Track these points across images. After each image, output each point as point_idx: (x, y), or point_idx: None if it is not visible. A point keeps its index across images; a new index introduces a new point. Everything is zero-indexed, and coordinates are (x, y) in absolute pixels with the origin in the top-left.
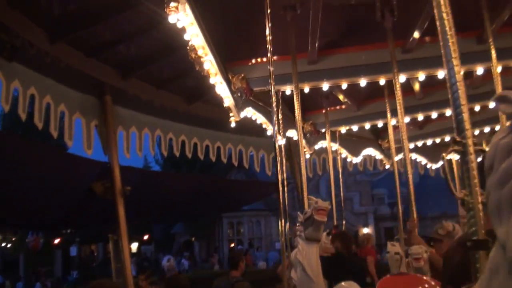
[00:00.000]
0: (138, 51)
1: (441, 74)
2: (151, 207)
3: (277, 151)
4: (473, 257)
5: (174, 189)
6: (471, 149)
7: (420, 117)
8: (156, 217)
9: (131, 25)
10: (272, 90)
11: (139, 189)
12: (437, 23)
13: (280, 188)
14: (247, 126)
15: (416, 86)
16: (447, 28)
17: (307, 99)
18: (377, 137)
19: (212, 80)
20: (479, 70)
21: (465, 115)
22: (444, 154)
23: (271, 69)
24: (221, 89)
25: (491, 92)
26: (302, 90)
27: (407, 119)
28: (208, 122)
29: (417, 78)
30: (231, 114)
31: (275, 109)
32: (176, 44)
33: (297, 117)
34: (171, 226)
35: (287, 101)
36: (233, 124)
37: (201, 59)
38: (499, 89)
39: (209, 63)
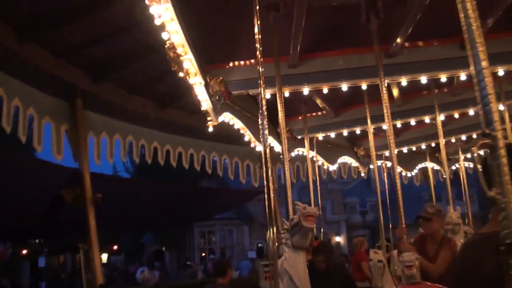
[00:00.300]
0: (110, 54)
1: (424, 79)
2: (121, 215)
3: (267, 156)
4: (506, 263)
5: (145, 197)
6: (501, 142)
7: (399, 124)
8: (126, 226)
9: (104, 27)
10: (262, 92)
11: (110, 197)
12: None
13: (270, 195)
14: (221, 133)
15: (395, 93)
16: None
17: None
18: (353, 144)
19: (192, 80)
20: (462, 77)
21: (493, 106)
22: (474, 149)
23: (261, 69)
24: (200, 91)
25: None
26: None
27: (385, 126)
28: (181, 129)
29: (397, 84)
30: (208, 118)
31: (265, 113)
32: (150, 48)
33: (280, 122)
34: (140, 236)
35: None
36: (210, 129)
37: (180, 58)
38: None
39: (189, 62)
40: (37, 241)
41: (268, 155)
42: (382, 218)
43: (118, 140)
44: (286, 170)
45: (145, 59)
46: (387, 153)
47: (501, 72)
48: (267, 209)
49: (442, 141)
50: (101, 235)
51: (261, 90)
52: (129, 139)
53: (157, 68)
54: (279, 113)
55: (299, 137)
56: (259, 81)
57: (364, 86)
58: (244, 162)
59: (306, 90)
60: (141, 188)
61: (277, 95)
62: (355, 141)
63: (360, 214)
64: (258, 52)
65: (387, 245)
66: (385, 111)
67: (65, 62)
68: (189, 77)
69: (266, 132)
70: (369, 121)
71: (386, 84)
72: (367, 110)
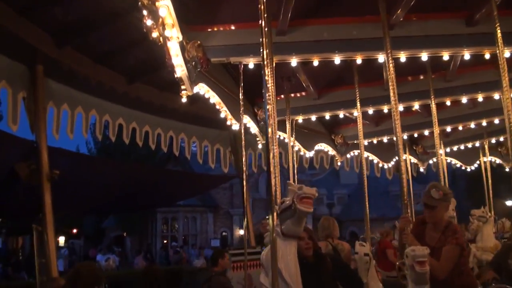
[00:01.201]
0: (78, 16)
1: (424, 56)
2: (81, 196)
3: (269, 136)
4: None
5: (108, 178)
6: None
7: (386, 109)
8: (86, 208)
9: None
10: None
11: (69, 175)
12: None
13: (273, 181)
14: (191, 113)
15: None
16: None
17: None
18: (331, 131)
19: (167, 33)
20: (466, 56)
21: None
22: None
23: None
24: (175, 51)
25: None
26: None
27: (371, 111)
28: (149, 106)
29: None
30: (182, 87)
31: (269, 83)
32: (121, 13)
33: (270, 94)
34: (102, 220)
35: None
36: (184, 99)
37: (156, 3)
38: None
39: (166, 10)
40: None
41: (233, 139)
42: (368, 210)
43: (80, 114)
44: (274, 153)
45: (115, 25)
46: (366, 143)
47: None
48: (272, 194)
49: (437, 129)
50: (60, 217)
51: (263, 57)
52: (92, 114)
53: (128, 37)
54: (269, 86)
55: (279, 118)
56: (232, 50)
57: (359, 61)
58: (214, 146)
59: (294, 61)
60: (103, 168)
61: (265, 65)
62: (333, 128)
63: (327, 207)
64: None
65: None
66: (391, 93)
67: (26, 20)
68: (164, 29)
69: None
70: (358, 104)
71: (381, 60)
72: (357, 92)
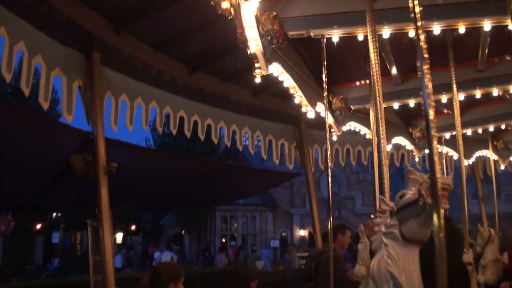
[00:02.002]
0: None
1: None
2: (139, 191)
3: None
4: None
5: (167, 172)
6: None
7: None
8: (144, 203)
9: None
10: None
11: (127, 168)
12: None
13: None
14: (255, 106)
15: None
16: None
17: (335, 67)
18: (408, 124)
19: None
20: None
21: None
22: None
23: None
24: (249, 23)
25: None
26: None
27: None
28: (212, 97)
29: None
30: (257, 65)
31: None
32: None
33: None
34: (160, 217)
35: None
36: (257, 79)
37: None
38: None
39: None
40: (54, 215)
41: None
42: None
43: (139, 105)
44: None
45: (175, 7)
46: (447, 136)
47: None
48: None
49: None
50: (118, 214)
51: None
52: (152, 106)
53: (189, 22)
54: (373, 61)
55: (354, 107)
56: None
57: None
58: (279, 141)
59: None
60: (163, 162)
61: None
62: (410, 120)
63: None
64: None
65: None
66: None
67: (82, 5)
68: None
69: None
70: (455, 87)
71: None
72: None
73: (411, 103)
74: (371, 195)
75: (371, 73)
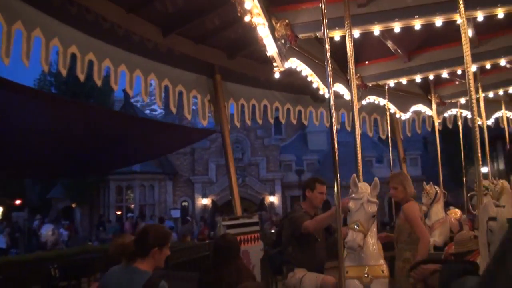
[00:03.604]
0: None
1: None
2: (17, 151)
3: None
4: None
5: (56, 125)
6: None
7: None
8: (23, 169)
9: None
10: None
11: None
12: None
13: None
14: (164, 49)
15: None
16: None
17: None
18: (427, 92)
19: (256, 20)
20: None
21: None
22: None
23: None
24: (264, 33)
25: None
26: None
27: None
28: (112, 34)
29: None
30: (274, 64)
31: (328, 55)
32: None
33: (350, 66)
34: (47, 189)
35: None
36: (277, 75)
37: None
38: None
39: (251, 3)
40: None
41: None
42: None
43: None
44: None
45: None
46: (462, 101)
47: None
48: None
49: None
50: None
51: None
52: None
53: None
54: (348, 57)
55: (370, 84)
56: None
57: (438, 23)
58: (191, 92)
59: (376, 30)
60: (48, 111)
61: (346, 37)
62: (429, 88)
63: (296, 173)
64: None
65: None
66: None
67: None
68: (251, 17)
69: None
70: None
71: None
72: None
73: (417, 78)
74: (276, 160)
75: None
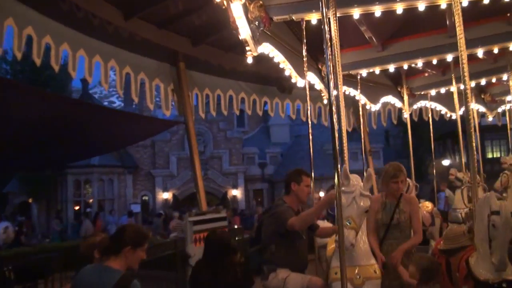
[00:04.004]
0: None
1: None
2: None
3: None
4: None
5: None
6: None
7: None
8: None
9: None
10: None
11: None
12: None
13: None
14: (126, 35)
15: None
16: None
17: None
18: (397, 83)
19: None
20: None
21: None
22: None
23: None
24: (238, 13)
25: None
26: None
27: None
28: (71, 17)
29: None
30: (247, 48)
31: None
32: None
33: (334, 52)
34: (2, 184)
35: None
36: (249, 60)
37: None
38: None
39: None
40: None
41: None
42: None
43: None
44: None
45: None
46: (433, 93)
47: None
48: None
49: None
50: None
51: None
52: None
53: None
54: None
55: (345, 72)
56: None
57: (421, 7)
58: (153, 81)
59: (356, 14)
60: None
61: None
62: (399, 80)
63: (258, 166)
64: None
65: None
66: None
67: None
68: None
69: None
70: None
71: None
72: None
73: (391, 68)
74: (239, 153)
75: None
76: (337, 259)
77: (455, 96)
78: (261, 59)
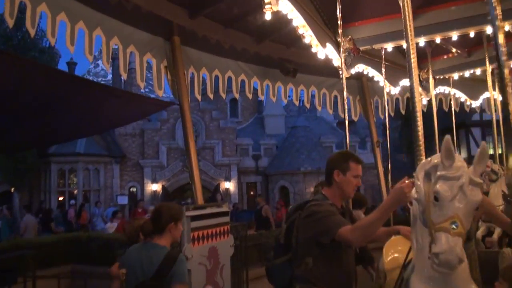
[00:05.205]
0: None
1: None
2: None
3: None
4: None
5: None
6: None
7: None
8: None
9: None
10: None
11: None
12: None
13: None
14: None
15: None
16: None
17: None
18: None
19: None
20: None
21: None
22: None
23: None
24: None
25: None
26: None
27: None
28: None
29: None
30: (267, 1)
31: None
32: None
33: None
34: None
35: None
36: (268, 15)
37: None
38: None
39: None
40: None
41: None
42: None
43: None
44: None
45: None
46: (456, 77)
47: None
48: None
49: None
50: None
51: None
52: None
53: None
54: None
55: (363, 48)
56: None
57: None
58: (144, 55)
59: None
60: None
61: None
62: (419, 62)
63: (252, 158)
64: None
65: None
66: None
67: None
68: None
69: None
70: None
71: None
72: None
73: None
74: (232, 144)
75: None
76: (421, 282)
77: (489, 79)
78: (264, 34)
